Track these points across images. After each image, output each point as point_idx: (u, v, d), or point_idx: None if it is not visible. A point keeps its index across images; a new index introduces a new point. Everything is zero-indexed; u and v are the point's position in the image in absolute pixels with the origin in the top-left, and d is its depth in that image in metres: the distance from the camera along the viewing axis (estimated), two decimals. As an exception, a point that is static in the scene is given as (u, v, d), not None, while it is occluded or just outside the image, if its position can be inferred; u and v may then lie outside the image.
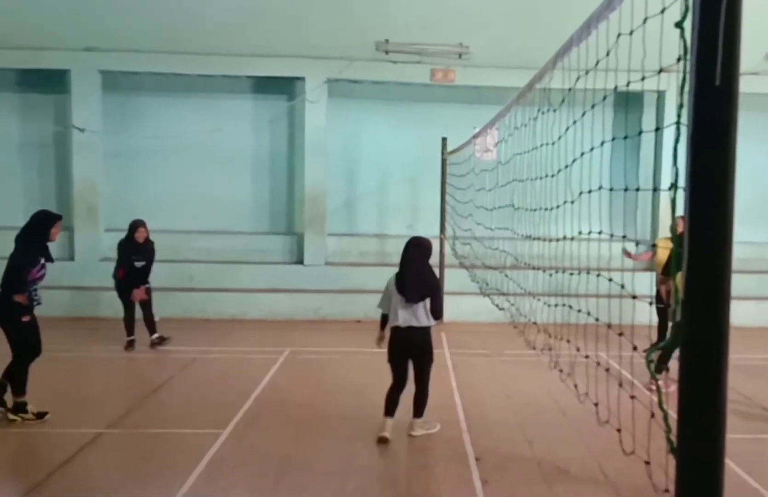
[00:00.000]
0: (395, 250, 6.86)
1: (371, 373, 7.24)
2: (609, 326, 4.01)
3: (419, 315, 5.85)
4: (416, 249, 5.99)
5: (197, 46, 11.66)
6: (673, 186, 2.18)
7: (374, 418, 6.02)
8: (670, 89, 2.11)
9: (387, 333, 6.10)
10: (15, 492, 4.90)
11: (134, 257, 9.30)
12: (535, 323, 6.12)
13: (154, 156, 12.87)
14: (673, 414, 2.04)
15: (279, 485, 5.07)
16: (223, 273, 12.34)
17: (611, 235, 4.04)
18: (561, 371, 5.13)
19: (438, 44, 11.58)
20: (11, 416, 6.30)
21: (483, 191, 8.93)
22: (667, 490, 2.02)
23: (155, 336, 9.47)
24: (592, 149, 3.95)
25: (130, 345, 9.38)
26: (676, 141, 2.17)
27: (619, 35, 3.07)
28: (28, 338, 6.29)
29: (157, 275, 9.96)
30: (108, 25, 11.23)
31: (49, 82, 12.45)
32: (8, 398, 6.36)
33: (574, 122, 4.20)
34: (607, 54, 3.28)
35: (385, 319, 6.10)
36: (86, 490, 5.08)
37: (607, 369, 4.18)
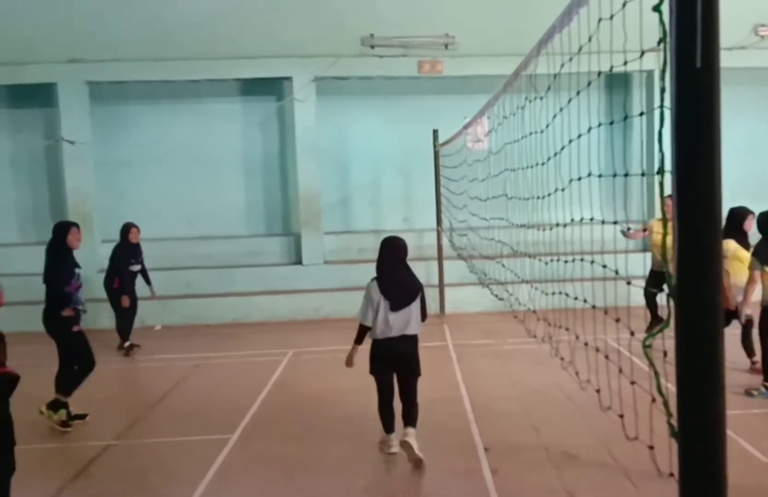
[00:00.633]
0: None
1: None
2: (606, 312, 4.00)
3: (411, 321, 5.31)
4: (396, 250, 5.43)
5: (183, 51, 11.61)
6: (661, 170, 2.17)
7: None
8: (658, 69, 2.09)
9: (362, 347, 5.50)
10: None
11: (131, 260, 9.53)
12: (534, 311, 6.11)
13: (145, 164, 12.83)
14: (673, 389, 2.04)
15: (288, 488, 5.08)
16: (221, 277, 12.32)
17: (602, 222, 4.02)
18: (562, 359, 5.13)
19: (423, 36, 11.55)
20: (44, 410, 6.44)
21: (476, 182, 8.91)
22: (671, 474, 2.02)
23: (127, 344, 9.56)
24: (579, 136, 3.94)
25: (130, 348, 9.40)
26: (661, 125, 2.16)
27: (600, 20, 3.06)
28: (80, 348, 6.56)
29: (155, 282, 9.97)
30: (92, 36, 11.19)
31: (37, 96, 12.39)
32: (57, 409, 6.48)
33: (561, 109, 4.18)
34: (589, 39, 3.28)
35: (363, 332, 5.41)
36: (97, 504, 5.08)
37: (607, 356, 4.17)
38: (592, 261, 4.15)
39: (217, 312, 11.83)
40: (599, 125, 3.61)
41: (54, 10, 10.59)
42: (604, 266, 3.84)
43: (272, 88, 12.78)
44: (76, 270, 6.68)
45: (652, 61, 3.29)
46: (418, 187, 12.68)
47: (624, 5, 2.58)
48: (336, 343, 9.73)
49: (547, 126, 4.76)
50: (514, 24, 10.29)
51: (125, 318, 9.51)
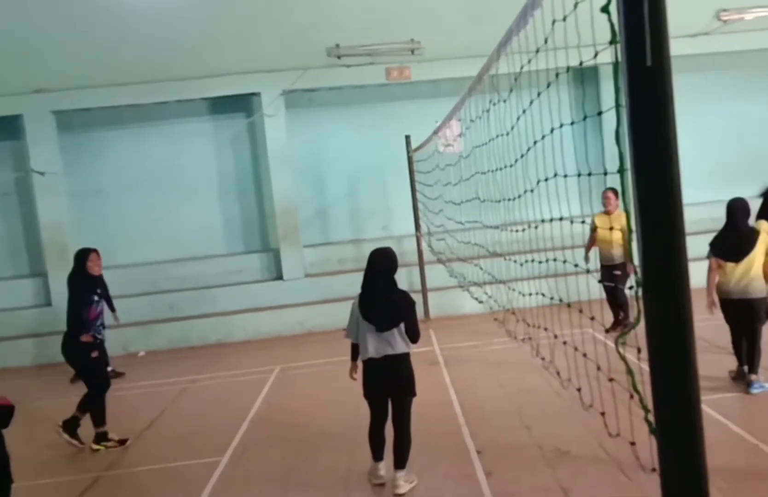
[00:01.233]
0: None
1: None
2: (581, 311, 4.01)
3: (394, 342, 4.92)
4: (380, 264, 5.03)
5: (149, 74, 11.49)
6: (620, 169, 2.18)
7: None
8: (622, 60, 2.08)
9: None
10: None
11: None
12: (513, 313, 6.11)
13: (119, 190, 12.69)
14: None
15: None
16: (202, 298, 12.19)
17: (571, 221, 4.03)
18: (543, 359, 5.13)
19: (389, 43, 11.54)
20: (95, 446, 6.67)
21: (450, 186, 8.91)
22: (654, 469, 2.03)
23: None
24: (543, 137, 3.95)
25: (115, 375, 9.24)
26: (618, 124, 2.16)
27: (554, 22, 3.07)
28: (99, 373, 6.83)
29: (137, 308, 9.81)
30: (56, 65, 11.02)
31: (4, 129, 12.19)
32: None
33: (524, 111, 4.20)
34: (546, 41, 3.28)
35: (356, 349, 5.19)
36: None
37: (585, 355, 4.18)
38: (564, 260, 4.15)
39: (201, 334, 11.71)
40: (561, 126, 3.62)
41: (16, 41, 10.42)
42: (576, 265, 3.85)
43: (241, 104, 12.70)
44: (95, 297, 6.88)
45: (609, 56, 3.32)
46: (395, 193, 12.68)
47: (575, 6, 2.59)
48: (322, 356, 9.70)
49: (512, 127, 4.78)
50: (479, 26, 10.30)
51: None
